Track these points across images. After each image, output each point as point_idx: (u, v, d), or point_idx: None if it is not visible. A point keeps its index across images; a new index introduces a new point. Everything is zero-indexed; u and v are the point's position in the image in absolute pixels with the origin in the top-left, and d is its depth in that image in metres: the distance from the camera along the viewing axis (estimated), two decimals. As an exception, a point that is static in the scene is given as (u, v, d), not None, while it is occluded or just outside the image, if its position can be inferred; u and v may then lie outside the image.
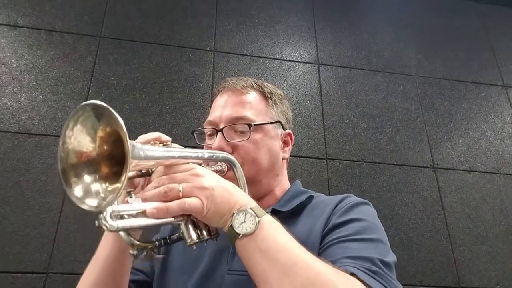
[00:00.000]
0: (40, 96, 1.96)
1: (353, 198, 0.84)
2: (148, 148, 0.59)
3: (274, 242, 0.59)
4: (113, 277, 0.75)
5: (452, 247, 2.03)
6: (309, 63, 2.39)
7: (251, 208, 0.61)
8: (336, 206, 0.81)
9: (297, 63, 2.37)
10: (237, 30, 2.38)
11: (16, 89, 1.95)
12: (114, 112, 0.50)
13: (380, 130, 2.27)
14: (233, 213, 0.61)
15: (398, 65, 2.49)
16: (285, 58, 2.37)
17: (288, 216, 0.83)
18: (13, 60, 2.00)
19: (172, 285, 0.82)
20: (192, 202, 0.59)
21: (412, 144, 2.27)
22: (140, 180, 0.70)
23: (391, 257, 0.70)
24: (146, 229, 0.61)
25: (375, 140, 2.23)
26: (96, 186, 0.53)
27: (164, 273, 0.85)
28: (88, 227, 1.49)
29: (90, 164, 0.54)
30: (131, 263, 0.79)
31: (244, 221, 0.60)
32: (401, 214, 2.06)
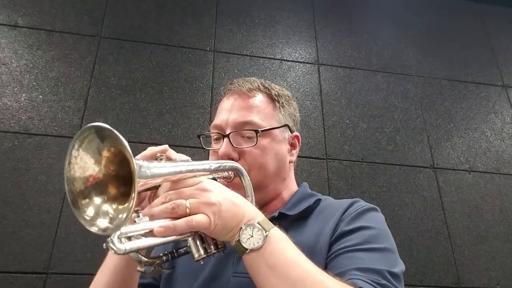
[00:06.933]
0: (40, 96, 1.96)
1: (362, 203, 0.83)
2: (155, 165, 0.58)
3: (282, 257, 0.58)
4: (122, 284, 0.75)
5: (452, 247, 2.03)
6: (309, 63, 2.39)
7: (258, 222, 0.61)
8: (344, 212, 0.79)
9: (297, 63, 2.37)
10: (237, 30, 2.38)
11: (16, 89, 1.95)
12: (118, 134, 0.49)
13: (380, 130, 2.27)
14: (241, 228, 0.61)
15: (398, 65, 2.49)
16: (285, 58, 2.37)
17: (295, 219, 0.83)
18: (13, 60, 2.00)
19: None
20: (199, 219, 0.58)
21: (412, 144, 2.26)
22: (147, 193, 0.69)
23: (400, 267, 0.70)
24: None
25: (375, 140, 2.23)
26: (105, 208, 0.53)
27: (171, 276, 0.85)
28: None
29: (97, 186, 0.53)
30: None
31: (252, 236, 0.59)
32: (401, 214, 2.06)
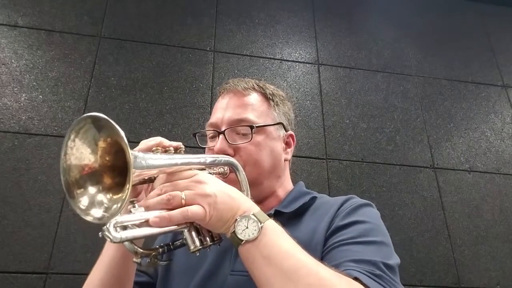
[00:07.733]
0: (40, 96, 1.96)
1: (356, 200, 0.83)
2: (150, 157, 0.58)
3: (277, 248, 0.59)
4: (117, 280, 0.75)
5: (452, 247, 2.03)
6: (309, 63, 2.39)
7: (253, 214, 0.61)
8: (339, 208, 0.80)
9: (297, 63, 2.37)
10: (237, 30, 2.38)
11: (16, 89, 1.95)
12: (114, 124, 0.49)
13: (380, 130, 2.27)
14: (236, 219, 0.61)
15: (398, 65, 2.49)
16: (285, 58, 2.37)
17: (291, 217, 0.83)
18: (13, 60, 2.00)
19: (175, 286, 0.82)
20: (194, 210, 0.59)
21: (412, 144, 2.27)
22: (143, 186, 0.69)
23: (395, 260, 0.70)
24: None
25: (375, 140, 2.23)
26: (100, 197, 0.53)
27: (168, 274, 0.85)
28: (88, 227, 1.49)
29: (93, 176, 0.53)
30: (135, 266, 0.79)
31: (247, 227, 0.60)
32: (401, 214, 2.06)
